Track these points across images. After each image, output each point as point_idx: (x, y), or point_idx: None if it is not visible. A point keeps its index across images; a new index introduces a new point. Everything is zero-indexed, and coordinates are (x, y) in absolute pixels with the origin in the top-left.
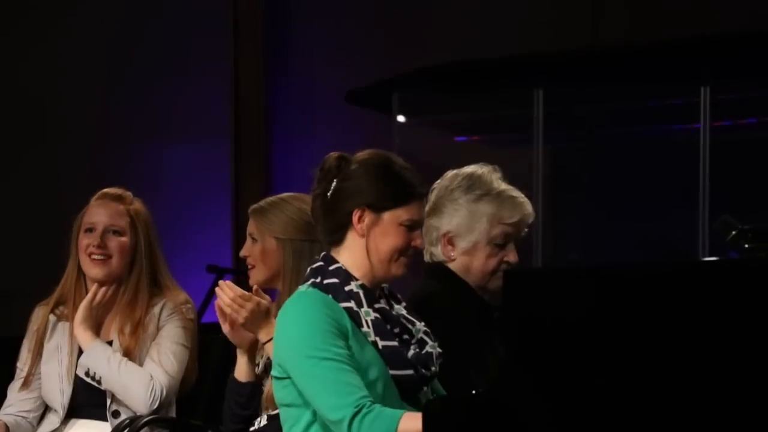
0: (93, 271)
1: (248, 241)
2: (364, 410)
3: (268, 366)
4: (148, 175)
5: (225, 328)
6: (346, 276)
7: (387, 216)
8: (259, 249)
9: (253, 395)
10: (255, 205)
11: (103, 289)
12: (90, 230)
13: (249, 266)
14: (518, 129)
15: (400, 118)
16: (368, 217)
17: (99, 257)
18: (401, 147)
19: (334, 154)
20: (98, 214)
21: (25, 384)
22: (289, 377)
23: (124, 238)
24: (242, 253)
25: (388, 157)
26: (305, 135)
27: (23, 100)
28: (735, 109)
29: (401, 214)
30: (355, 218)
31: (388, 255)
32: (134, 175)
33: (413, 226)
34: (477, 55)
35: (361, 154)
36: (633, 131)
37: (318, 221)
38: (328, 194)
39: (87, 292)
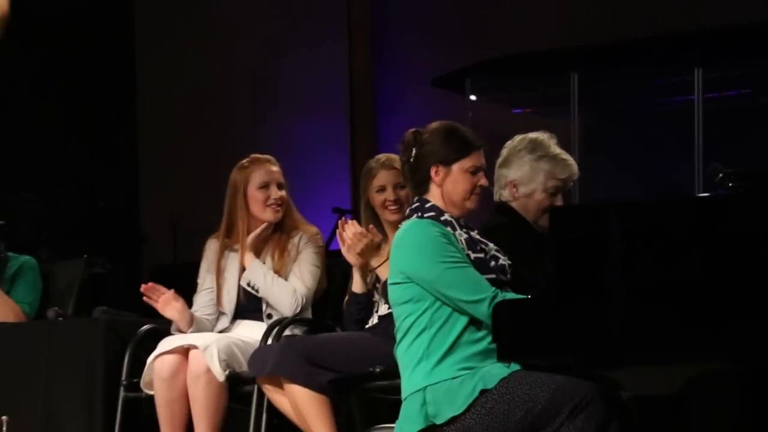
0: (273, 216)
1: (393, 188)
2: (500, 295)
3: (375, 281)
4: (286, 143)
5: (344, 251)
6: (439, 210)
7: (456, 167)
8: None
9: (367, 302)
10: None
11: (266, 225)
12: (265, 186)
13: (397, 205)
14: (559, 103)
15: (472, 97)
16: (442, 171)
17: (279, 207)
18: (473, 119)
19: (410, 130)
20: (270, 173)
21: (218, 299)
22: (409, 281)
23: (284, 191)
24: (394, 196)
25: (450, 123)
26: (402, 110)
27: (199, 87)
28: (722, 84)
29: (465, 163)
30: (433, 173)
31: (461, 196)
32: (279, 142)
33: (476, 171)
34: (528, 46)
35: (430, 125)
36: (643, 102)
37: (407, 180)
38: (411, 160)
39: (251, 229)
